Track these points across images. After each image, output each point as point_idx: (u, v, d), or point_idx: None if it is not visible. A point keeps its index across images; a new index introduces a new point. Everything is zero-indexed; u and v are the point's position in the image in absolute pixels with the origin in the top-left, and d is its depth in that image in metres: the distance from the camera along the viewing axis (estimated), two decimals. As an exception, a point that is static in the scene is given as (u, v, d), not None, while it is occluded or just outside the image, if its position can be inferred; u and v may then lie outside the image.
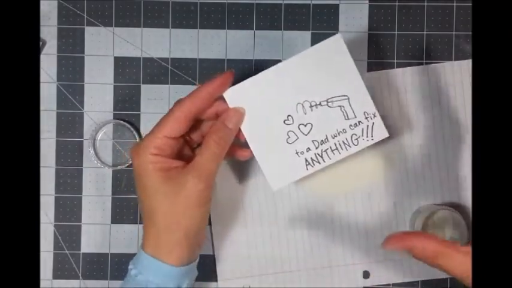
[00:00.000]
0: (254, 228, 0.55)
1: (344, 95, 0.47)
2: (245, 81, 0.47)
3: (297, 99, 0.47)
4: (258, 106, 0.47)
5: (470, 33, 0.54)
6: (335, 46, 0.46)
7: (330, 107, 0.47)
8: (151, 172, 0.44)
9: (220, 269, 0.55)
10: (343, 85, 0.47)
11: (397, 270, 0.54)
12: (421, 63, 0.54)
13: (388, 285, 0.55)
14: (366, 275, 0.55)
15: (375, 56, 0.54)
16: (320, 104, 0.47)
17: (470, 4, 0.54)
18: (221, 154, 0.45)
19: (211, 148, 0.45)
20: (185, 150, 0.48)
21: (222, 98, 0.47)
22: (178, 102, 0.46)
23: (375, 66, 0.54)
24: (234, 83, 0.47)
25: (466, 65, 0.54)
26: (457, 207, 0.54)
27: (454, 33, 0.54)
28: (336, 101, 0.47)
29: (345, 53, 0.47)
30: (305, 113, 0.47)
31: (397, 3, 0.54)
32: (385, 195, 0.55)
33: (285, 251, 0.55)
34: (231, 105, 0.47)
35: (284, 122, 0.47)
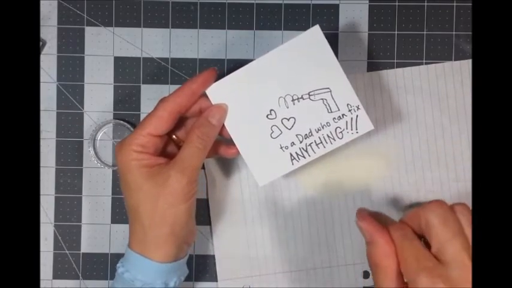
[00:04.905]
0: (254, 228, 0.55)
1: (326, 88, 0.46)
2: (226, 77, 0.47)
3: (278, 94, 0.47)
4: (241, 101, 0.47)
5: (470, 33, 0.54)
6: (314, 38, 0.46)
7: (312, 100, 0.47)
8: (135, 169, 0.44)
9: (220, 269, 0.55)
10: (325, 77, 0.46)
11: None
12: (421, 63, 0.54)
13: (388, 285, 0.55)
14: (366, 275, 0.55)
15: (375, 56, 0.54)
16: (302, 97, 0.47)
17: (470, 4, 0.54)
18: (204, 149, 0.45)
19: (194, 143, 0.45)
20: (170, 147, 0.49)
21: (205, 95, 0.47)
22: (162, 100, 0.46)
23: (375, 66, 0.54)
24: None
25: (466, 65, 0.54)
26: (457, 207, 0.54)
27: (454, 33, 0.54)
28: (318, 94, 0.46)
29: (324, 45, 0.46)
30: (287, 107, 0.47)
31: (397, 3, 0.54)
32: (384, 195, 0.55)
33: (285, 251, 0.55)
34: (213, 102, 0.47)
35: (267, 116, 0.47)
